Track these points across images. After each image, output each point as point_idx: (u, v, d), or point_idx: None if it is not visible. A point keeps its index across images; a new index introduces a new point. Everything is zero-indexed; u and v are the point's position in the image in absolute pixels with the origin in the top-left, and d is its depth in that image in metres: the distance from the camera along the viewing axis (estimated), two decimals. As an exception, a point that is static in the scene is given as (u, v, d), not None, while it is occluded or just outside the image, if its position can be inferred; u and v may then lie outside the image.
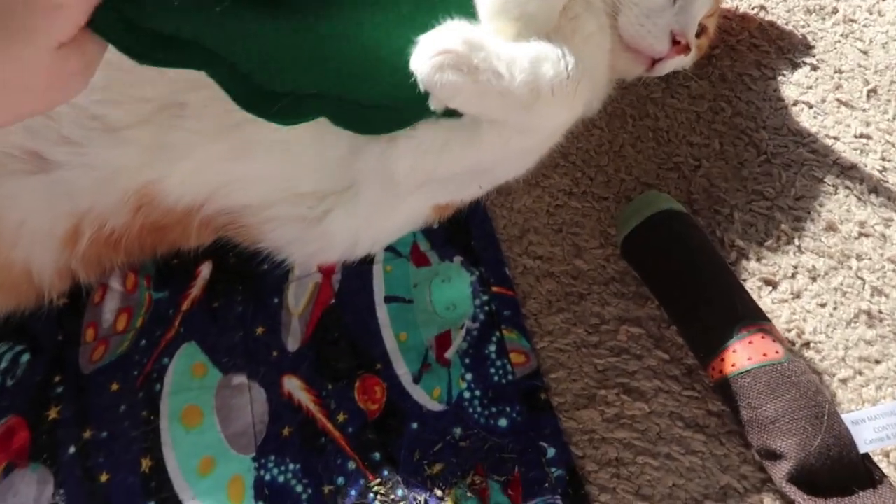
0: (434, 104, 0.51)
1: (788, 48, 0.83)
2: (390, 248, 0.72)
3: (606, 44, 0.64)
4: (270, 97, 0.49)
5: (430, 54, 0.48)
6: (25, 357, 0.71)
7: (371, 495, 0.59)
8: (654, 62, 0.69)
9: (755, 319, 0.58)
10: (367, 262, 0.72)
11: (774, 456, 0.53)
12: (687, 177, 0.74)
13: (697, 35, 0.71)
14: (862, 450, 0.53)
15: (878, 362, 0.61)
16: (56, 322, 0.72)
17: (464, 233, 0.72)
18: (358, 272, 0.72)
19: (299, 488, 0.61)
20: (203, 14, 0.45)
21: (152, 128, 0.63)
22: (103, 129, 0.64)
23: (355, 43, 0.50)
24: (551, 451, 0.59)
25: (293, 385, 0.66)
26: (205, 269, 0.74)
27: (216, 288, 0.73)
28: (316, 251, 0.71)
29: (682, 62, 0.71)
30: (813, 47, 0.83)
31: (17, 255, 0.68)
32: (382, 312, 0.69)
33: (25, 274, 0.69)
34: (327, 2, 0.50)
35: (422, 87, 0.49)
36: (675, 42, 0.67)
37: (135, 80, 0.61)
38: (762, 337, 0.57)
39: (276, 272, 0.73)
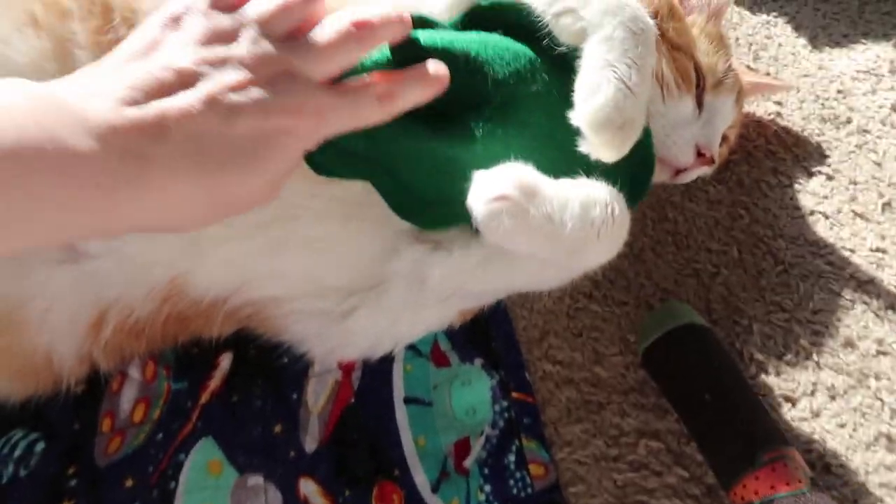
0: (486, 241, 0.52)
1: (804, 156, 0.85)
2: (411, 347, 0.73)
3: None
4: (423, 205, 0.56)
5: (487, 198, 0.50)
6: (40, 446, 0.70)
7: None
8: (679, 171, 0.71)
9: (778, 444, 0.58)
10: (388, 360, 0.72)
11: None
12: (706, 284, 0.75)
13: (719, 144, 0.74)
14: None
15: (900, 490, 0.61)
16: (73, 410, 0.72)
17: (484, 333, 0.73)
18: (378, 370, 0.72)
19: None
20: (385, 132, 0.49)
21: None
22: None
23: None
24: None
25: (310, 489, 0.65)
26: (225, 361, 0.74)
27: (235, 380, 0.73)
28: (337, 347, 0.71)
29: (705, 171, 0.73)
30: (828, 156, 0.85)
31: (40, 341, 0.68)
32: (402, 414, 0.69)
33: (46, 360, 0.69)
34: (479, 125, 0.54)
35: (475, 226, 0.51)
36: (699, 154, 0.69)
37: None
38: (784, 465, 0.57)
39: (297, 366, 0.73)
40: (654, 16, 0.68)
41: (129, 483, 0.67)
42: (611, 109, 0.54)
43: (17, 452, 0.70)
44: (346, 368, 0.73)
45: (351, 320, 0.68)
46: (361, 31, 0.45)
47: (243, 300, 0.70)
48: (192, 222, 0.46)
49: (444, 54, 0.52)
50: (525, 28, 0.57)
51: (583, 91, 0.55)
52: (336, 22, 0.46)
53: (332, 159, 0.52)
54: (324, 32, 0.44)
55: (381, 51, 0.51)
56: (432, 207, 0.57)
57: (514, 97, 0.55)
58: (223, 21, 0.43)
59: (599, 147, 0.54)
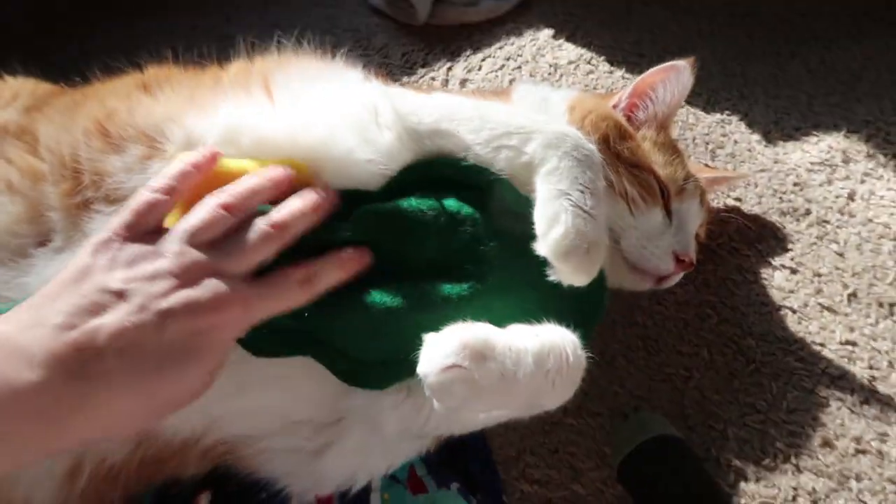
0: (437, 408, 0.52)
1: (767, 251, 0.87)
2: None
3: None
4: (366, 368, 0.59)
5: (436, 369, 0.51)
6: None
7: None
8: (661, 279, 0.72)
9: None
10: (365, 489, 0.71)
11: None
12: (679, 388, 0.75)
13: None
14: None
15: None
16: (51, 561, 0.71)
17: (461, 455, 0.73)
18: (355, 502, 0.71)
19: None
20: (323, 308, 0.54)
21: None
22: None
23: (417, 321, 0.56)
24: None
25: None
26: (203, 501, 0.74)
27: (214, 519, 0.72)
28: (313, 485, 0.70)
29: (682, 274, 0.75)
30: (790, 249, 0.86)
31: (17, 494, 0.69)
32: (380, 547, 0.68)
33: (25, 511, 0.70)
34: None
35: (427, 393, 0.51)
36: (678, 260, 0.71)
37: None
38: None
39: (275, 501, 0.72)
40: (605, 140, 0.72)
41: None
42: (574, 236, 0.56)
43: None
44: (324, 501, 0.72)
45: (324, 458, 0.68)
46: (279, 231, 0.51)
47: (215, 439, 0.70)
48: (135, 426, 0.50)
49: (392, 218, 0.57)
50: (457, 180, 0.61)
51: (543, 223, 0.57)
52: (256, 226, 0.51)
53: (265, 340, 0.55)
54: (245, 236, 0.50)
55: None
56: (376, 369, 0.59)
57: (480, 247, 0.58)
58: (148, 239, 0.49)
59: (569, 274, 0.56)
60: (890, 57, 1.10)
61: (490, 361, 0.52)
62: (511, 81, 1.16)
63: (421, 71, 1.22)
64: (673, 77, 0.78)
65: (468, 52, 1.23)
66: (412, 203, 0.60)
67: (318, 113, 0.66)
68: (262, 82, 0.72)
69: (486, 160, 0.63)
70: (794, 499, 0.66)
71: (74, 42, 1.21)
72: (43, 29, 1.24)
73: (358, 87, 0.74)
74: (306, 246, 0.57)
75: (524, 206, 0.60)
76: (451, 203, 0.61)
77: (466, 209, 0.61)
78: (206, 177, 0.57)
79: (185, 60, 0.80)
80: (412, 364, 0.54)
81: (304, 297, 0.52)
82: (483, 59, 1.21)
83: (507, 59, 1.20)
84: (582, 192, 0.59)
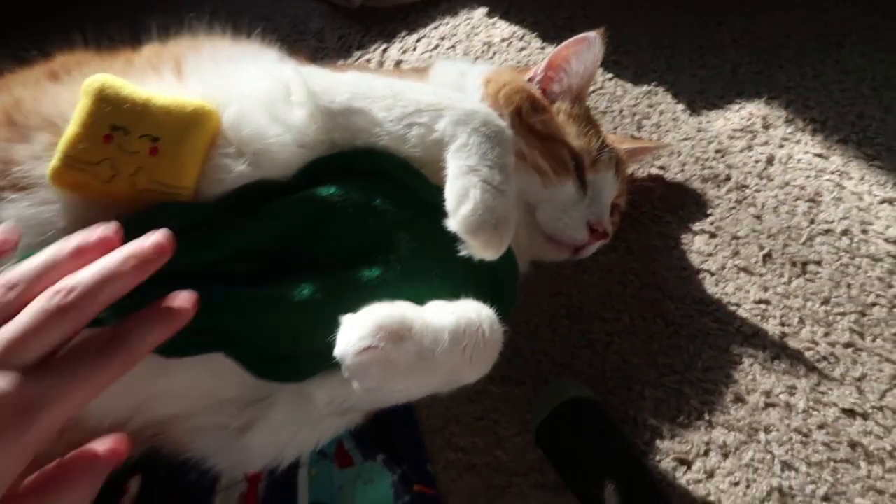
0: (356, 388, 0.53)
1: (688, 217, 0.88)
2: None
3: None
4: (277, 361, 0.58)
5: (353, 351, 0.51)
6: None
7: None
8: (577, 249, 0.74)
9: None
10: (294, 465, 0.72)
11: None
12: (600, 353, 0.77)
13: (611, 214, 0.77)
14: None
15: (792, 545, 0.61)
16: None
17: (387, 427, 0.74)
18: (283, 478, 0.72)
19: None
20: (232, 304, 0.55)
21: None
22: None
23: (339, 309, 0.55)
24: None
25: None
26: (133, 485, 0.74)
27: (145, 501, 0.72)
28: (240, 461, 0.71)
29: (602, 244, 0.76)
30: (710, 215, 0.88)
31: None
32: (307, 520, 0.69)
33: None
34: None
35: (345, 375, 0.52)
36: (592, 230, 0.72)
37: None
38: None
39: (204, 481, 0.73)
40: (518, 112, 0.73)
41: None
42: (483, 211, 0.57)
43: None
44: (253, 479, 0.73)
45: (249, 436, 0.69)
46: (71, 305, 0.42)
47: (144, 421, 0.70)
48: None
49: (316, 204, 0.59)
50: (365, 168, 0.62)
51: (452, 199, 0.58)
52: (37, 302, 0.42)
53: (170, 342, 0.53)
54: (22, 317, 0.41)
55: None
56: (291, 362, 0.59)
57: (392, 233, 0.59)
58: None
59: (479, 248, 0.57)
60: (812, 24, 1.12)
61: (407, 341, 0.53)
62: (427, 65, 1.17)
63: (357, 53, 1.22)
64: (584, 49, 0.79)
65: (403, 34, 1.23)
66: (325, 191, 0.60)
67: (229, 92, 0.66)
68: (174, 64, 0.72)
69: (398, 137, 0.63)
70: (706, 453, 0.68)
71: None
72: None
73: (271, 67, 0.74)
74: (209, 258, 0.58)
75: (431, 191, 0.61)
76: (359, 191, 0.62)
77: (375, 197, 0.61)
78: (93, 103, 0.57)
79: (102, 46, 0.79)
80: (330, 353, 0.54)
81: (119, 371, 0.44)
82: (418, 40, 1.22)
83: (442, 38, 1.21)
84: (490, 167, 0.60)
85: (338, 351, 0.53)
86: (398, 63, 1.18)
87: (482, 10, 1.25)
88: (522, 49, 1.15)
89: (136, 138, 0.60)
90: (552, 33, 1.17)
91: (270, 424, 0.68)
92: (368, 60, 1.20)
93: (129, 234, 0.50)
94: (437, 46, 1.20)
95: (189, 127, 0.61)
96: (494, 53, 1.15)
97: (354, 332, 0.53)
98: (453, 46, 1.19)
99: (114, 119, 0.60)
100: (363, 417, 0.71)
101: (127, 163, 0.59)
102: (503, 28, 1.20)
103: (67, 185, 0.60)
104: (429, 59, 1.17)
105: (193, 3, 1.31)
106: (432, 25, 1.24)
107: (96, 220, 0.59)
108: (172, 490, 0.73)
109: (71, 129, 0.60)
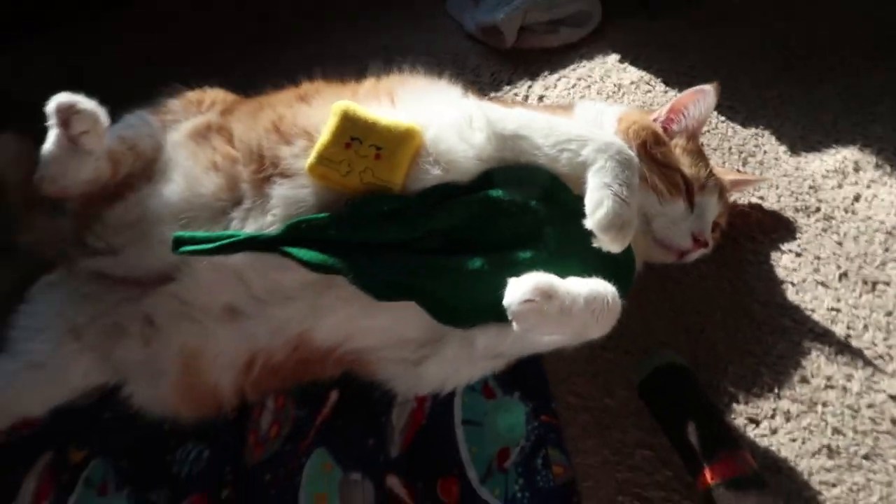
0: (516, 328, 0.77)
1: (779, 239, 1.07)
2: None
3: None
4: (452, 312, 0.83)
5: (517, 301, 0.75)
6: (206, 453, 0.99)
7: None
8: (682, 254, 0.96)
9: (730, 446, 0.79)
10: (451, 393, 0.97)
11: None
12: (694, 338, 0.98)
13: (713, 230, 0.98)
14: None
15: (833, 486, 0.80)
16: (228, 429, 1.00)
17: (522, 373, 0.97)
18: (443, 401, 0.97)
19: (396, 556, 0.84)
20: (424, 268, 0.82)
21: (312, 294, 0.93)
22: (280, 293, 0.94)
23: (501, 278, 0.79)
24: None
25: (394, 482, 0.91)
26: (333, 395, 1.02)
27: (341, 409, 1.00)
28: (413, 386, 0.97)
29: (703, 252, 0.98)
30: (798, 238, 1.07)
31: (210, 379, 0.98)
32: (460, 432, 0.94)
33: (213, 393, 0.99)
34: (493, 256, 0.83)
35: (509, 318, 0.76)
36: (696, 240, 0.94)
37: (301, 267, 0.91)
38: (734, 460, 0.78)
39: (385, 398, 0.99)
40: (643, 145, 0.96)
41: (267, 477, 0.95)
42: (613, 216, 0.81)
43: (191, 457, 0.99)
44: (420, 400, 0.99)
45: (422, 368, 0.94)
46: None
47: (348, 349, 0.98)
48: None
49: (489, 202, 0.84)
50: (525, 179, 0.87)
51: (591, 205, 0.82)
52: None
53: (382, 290, 0.82)
54: None
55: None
56: (466, 313, 0.84)
57: (542, 227, 0.84)
58: None
59: (608, 242, 0.81)
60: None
61: (554, 299, 0.76)
62: (582, 98, 1.40)
63: (506, 88, 1.48)
64: (701, 98, 1.01)
65: (546, 73, 1.48)
66: (495, 193, 0.86)
67: (429, 117, 0.93)
68: (388, 94, 1.00)
69: (552, 158, 0.88)
70: (772, 416, 0.87)
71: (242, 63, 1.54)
72: (217, 55, 1.58)
73: (458, 100, 1.01)
74: (409, 235, 0.84)
75: (572, 199, 0.85)
76: (520, 195, 0.86)
77: (531, 200, 0.86)
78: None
79: (325, 76, 1.09)
80: (494, 308, 0.79)
81: None
82: (559, 79, 1.46)
83: (579, 79, 1.45)
84: (620, 185, 0.83)
85: (506, 301, 0.77)
86: (541, 98, 1.43)
87: (615, 57, 1.47)
88: (648, 92, 1.37)
89: (366, 146, 0.88)
90: (674, 80, 1.38)
91: (439, 361, 0.93)
92: (516, 94, 1.46)
93: (354, 212, 0.79)
94: (574, 85, 1.44)
95: (403, 141, 0.88)
96: (624, 94, 1.38)
97: (519, 289, 0.77)
98: (589, 86, 1.43)
99: (353, 132, 0.89)
100: (506, 364, 0.96)
101: (359, 163, 0.88)
102: (632, 73, 1.43)
103: (317, 176, 0.89)
104: (568, 97, 1.41)
105: (364, 40, 1.62)
106: (571, 67, 1.48)
107: (335, 202, 0.88)
108: (361, 402, 1.00)
109: (323, 137, 0.89)
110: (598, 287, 0.80)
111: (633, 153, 0.87)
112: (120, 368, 1.02)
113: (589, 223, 0.81)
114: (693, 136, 1.03)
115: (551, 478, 0.86)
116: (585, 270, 0.82)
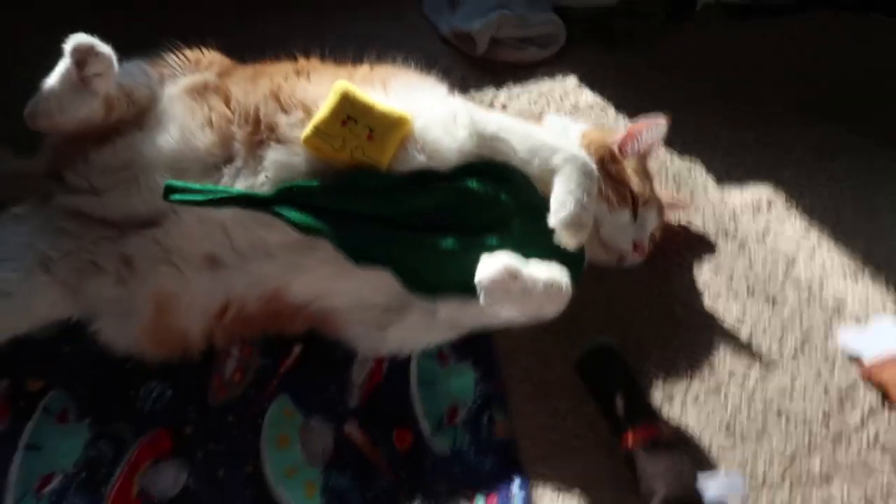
0: (483, 304, 0.89)
1: (700, 255, 1.25)
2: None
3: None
4: (422, 282, 0.94)
5: (488, 277, 0.87)
6: (169, 392, 1.04)
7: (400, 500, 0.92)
8: (621, 258, 1.11)
9: (651, 417, 0.94)
10: (408, 357, 1.07)
11: (652, 493, 0.87)
12: (624, 326, 1.12)
13: (649, 241, 1.13)
14: (706, 500, 0.86)
15: (729, 454, 0.96)
16: (193, 371, 1.06)
17: (474, 344, 1.08)
18: (400, 363, 1.07)
19: (351, 492, 0.93)
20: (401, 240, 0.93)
21: (293, 253, 1.01)
22: (262, 249, 1.01)
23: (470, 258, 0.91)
24: (517, 481, 0.93)
25: (352, 429, 1.00)
26: (297, 349, 1.10)
27: (305, 361, 1.08)
28: (374, 347, 1.06)
29: (638, 259, 1.13)
30: (717, 256, 1.24)
31: (181, 322, 1.03)
32: (415, 390, 1.04)
33: (182, 336, 1.04)
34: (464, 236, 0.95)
35: (479, 292, 0.88)
36: (636, 246, 1.09)
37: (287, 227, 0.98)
38: (654, 428, 0.92)
39: (346, 356, 1.08)
40: (601, 161, 1.10)
41: (231, 418, 1.01)
42: (574, 217, 0.94)
43: (154, 394, 1.04)
44: (379, 360, 1.08)
45: (386, 331, 1.04)
46: None
47: (317, 307, 1.06)
48: None
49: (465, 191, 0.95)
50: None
51: (555, 205, 0.95)
52: None
53: (361, 256, 0.93)
54: None
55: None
56: (434, 285, 0.96)
57: (509, 218, 0.96)
58: None
59: (566, 239, 0.94)
60: (813, 139, 1.49)
61: (518, 280, 0.88)
62: (540, 112, 1.54)
63: (472, 92, 1.59)
64: (654, 127, 1.16)
65: (510, 84, 1.61)
66: (471, 184, 0.97)
67: (419, 108, 1.03)
68: (381, 82, 1.10)
69: (525, 161, 1.00)
70: (685, 393, 1.03)
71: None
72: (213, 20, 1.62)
73: (445, 97, 1.12)
74: (391, 210, 0.94)
75: (537, 198, 0.97)
76: (492, 188, 0.98)
77: (502, 193, 0.98)
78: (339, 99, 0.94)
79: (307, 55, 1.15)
80: (460, 284, 0.91)
81: None
82: (521, 92, 1.59)
83: (540, 94, 1.59)
84: (582, 192, 0.96)
85: (477, 277, 0.88)
86: (504, 106, 1.56)
87: (574, 79, 1.62)
88: (601, 115, 1.53)
89: (361, 126, 0.98)
90: (625, 108, 1.54)
91: (402, 326, 1.03)
92: (481, 101, 1.58)
93: (343, 183, 0.93)
94: (536, 101, 1.57)
95: (394, 126, 0.98)
96: (580, 115, 1.52)
97: (491, 266, 0.89)
98: (548, 103, 1.57)
99: (350, 111, 0.98)
100: (459, 336, 1.07)
101: (352, 141, 0.97)
102: (588, 96, 1.58)
103: (311, 147, 0.97)
104: (528, 109, 1.54)
105: (335, 29, 1.68)
106: (534, 82, 1.62)
107: (323, 171, 0.96)
108: (323, 358, 1.08)
109: (321, 112, 0.97)
110: (556, 274, 0.93)
111: (594, 167, 1.01)
112: (89, 304, 1.06)
113: (552, 221, 0.94)
114: (642, 158, 1.19)
115: (494, 434, 0.98)
116: (543, 258, 0.94)
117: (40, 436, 0.99)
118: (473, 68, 1.66)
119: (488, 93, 1.59)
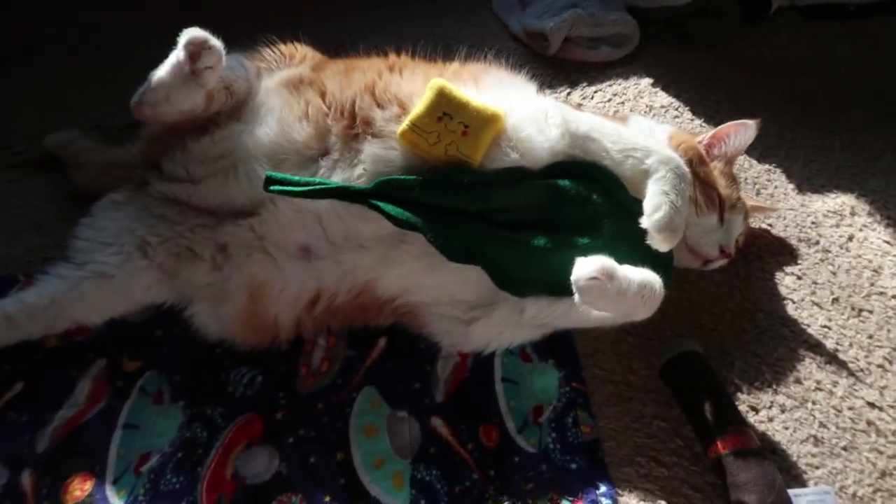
0: (578, 303, 0.89)
1: (783, 262, 1.23)
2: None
3: None
4: (518, 283, 0.96)
5: (584, 277, 0.87)
6: (259, 379, 1.07)
7: (487, 497, 0.93)
8: (707, 262, 1.10)
9: (739, 425, 0.94)
10: (492, 354, 1.09)
11: (743, 503, 0.87)
12: (707, 334, 1.12)
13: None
14: (797, 514, 0.86)
15: (816, 468, 0.95)
16: (282, 358, 1.09)
17: (556, 344, 1.09)
18: (484, 359, 1.09)
19: (439, 486, 0.95)
20: (493, 237, 0.94)
21: (385, 246, 1.03)
22: (356, 241, 1.04)
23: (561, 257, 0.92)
24: (603, 487, 0.93)
25: (438, 423, 1.02)
26: (382, 342, 1.12)
27: (389, 354, 1.10)
28: (459, 343, 1.08)
29: (723, 262, 1.12)
30: (799, 264, 1.23)
31: (272, 310, 1.07)
32: (499, 388, 1.06)
33: (273, 324, 1.07)
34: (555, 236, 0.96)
35: (575, 292, 0.88)
36: (722, 251, 1.08)
37: (381, 220, 1.01)
38: (742, 436, 0.92)
39: (430, 351, 1.10)
40: (689, 163, 1.10)
41: (320, 405, 1.04)
42: (668, 220, 0.93)
43: (245, 380, 1.07)
44: (464, 356, 1.10)
45: (471, 328, 1.06)
46: None
47: (405, 301, 1.08)
48: None
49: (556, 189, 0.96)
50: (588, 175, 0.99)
51: (649, 208, 0.94)
52: None
53: (456, 253, 0.94)
54: None
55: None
56: (523, 283, 0.97)
57: (600, 218, 0.97)
58: None
59: (659, 242, 0.94)
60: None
61: (614, 280, 0.89)
62: (614, 113, 1.53)
63: (547, 91, 1.59)
64: (742, 130, 1.15)
65: (584, 84, 1.61)
66: (563, 183, 0.98)
67: (511, 105, 1.04)
68: (473, 78, 1.11)
69: (617, 162, 1.00)
70: (770, 407, 1.02)
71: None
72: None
73: (535, 96, 1.13)
74: (483, 207, 0.95)
75: (631, 201, 0.97)
76: (584, 188, 0.98)
77: (593, 194, 0.98)
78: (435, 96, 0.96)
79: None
80: (549, 283, 0.92)
81: None
82: (595, 92, 1.59)
83: (615, 94, 1.58)
84: (677, 195, 0.96)
85: (573, 276, 0.89)
86: (578, 106, 1.56)
87: (648, 80, 1.61)
88: (676, 117, 1.52)
89: (455, 122, 0.99)
90: (701, 111, 1.53)
91: (488, 323, 1.05)
92: (555, 99, 1.58)
93: (439, 178, 0.95)
94: (609, 100, 1.57)
95: (488, 123, 0.99)
96: (654, 116, 1.52)
97: (587, 266, 0.89)
98: (622, 103, 1.56)
99: (446, 108, 0.99)
100: (542, 335, 1.08)
101: (447, 136, 0.98)
102: (663, 97, 1.57)
103: (407, 142, 0.99)
104: (603, 109, 1.54)
105: (409, 33, 1.70)
106: (608, 83, 1.61)
107: (418, 166, 0.98)
108: (407, 352, 1.10)
109: (418, 108, 0.99)
110: (650, 276, 0.93)
111: (687, 170, 1.00)
112: (184, 290, 1.10)
113: (646, 223, 0.94)
114: (730, 161, 1.18)
115: (580, 435, 0.99)
116: (631, 262, 0.94)
117: (137, 415, 1.03)
118: (544, 67, 1.66)
119: (562, 92, 1.59)
